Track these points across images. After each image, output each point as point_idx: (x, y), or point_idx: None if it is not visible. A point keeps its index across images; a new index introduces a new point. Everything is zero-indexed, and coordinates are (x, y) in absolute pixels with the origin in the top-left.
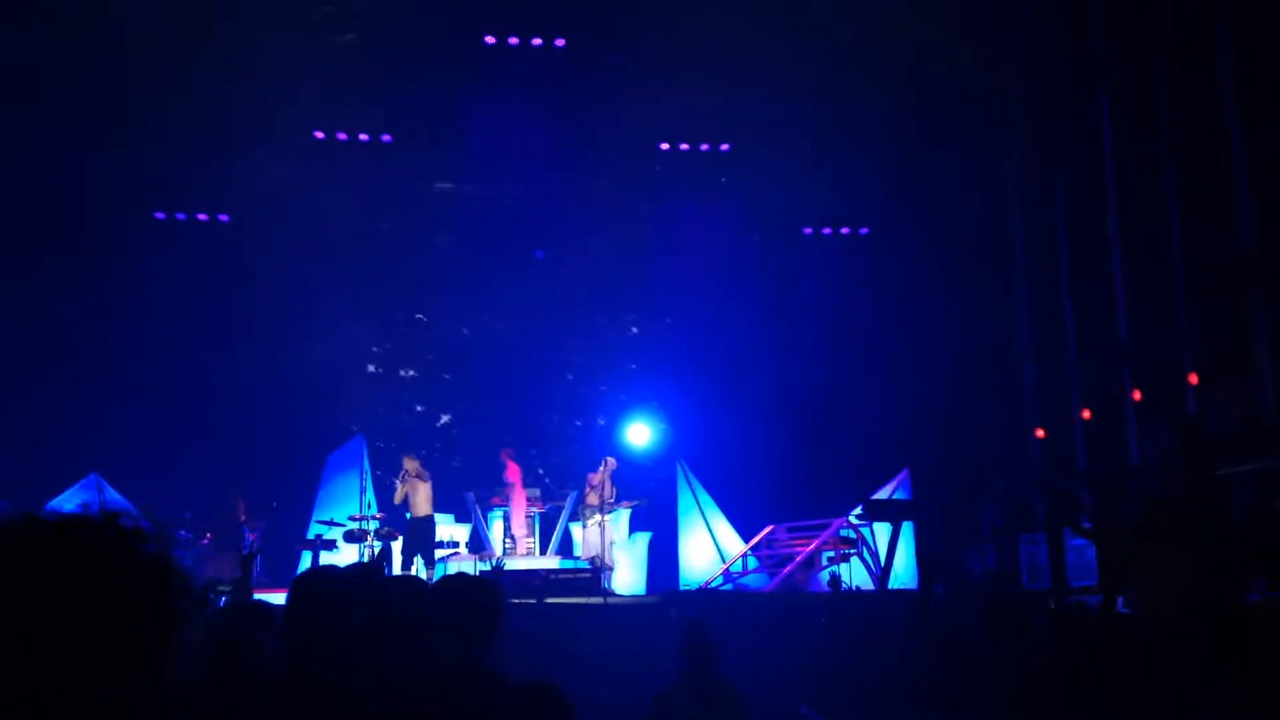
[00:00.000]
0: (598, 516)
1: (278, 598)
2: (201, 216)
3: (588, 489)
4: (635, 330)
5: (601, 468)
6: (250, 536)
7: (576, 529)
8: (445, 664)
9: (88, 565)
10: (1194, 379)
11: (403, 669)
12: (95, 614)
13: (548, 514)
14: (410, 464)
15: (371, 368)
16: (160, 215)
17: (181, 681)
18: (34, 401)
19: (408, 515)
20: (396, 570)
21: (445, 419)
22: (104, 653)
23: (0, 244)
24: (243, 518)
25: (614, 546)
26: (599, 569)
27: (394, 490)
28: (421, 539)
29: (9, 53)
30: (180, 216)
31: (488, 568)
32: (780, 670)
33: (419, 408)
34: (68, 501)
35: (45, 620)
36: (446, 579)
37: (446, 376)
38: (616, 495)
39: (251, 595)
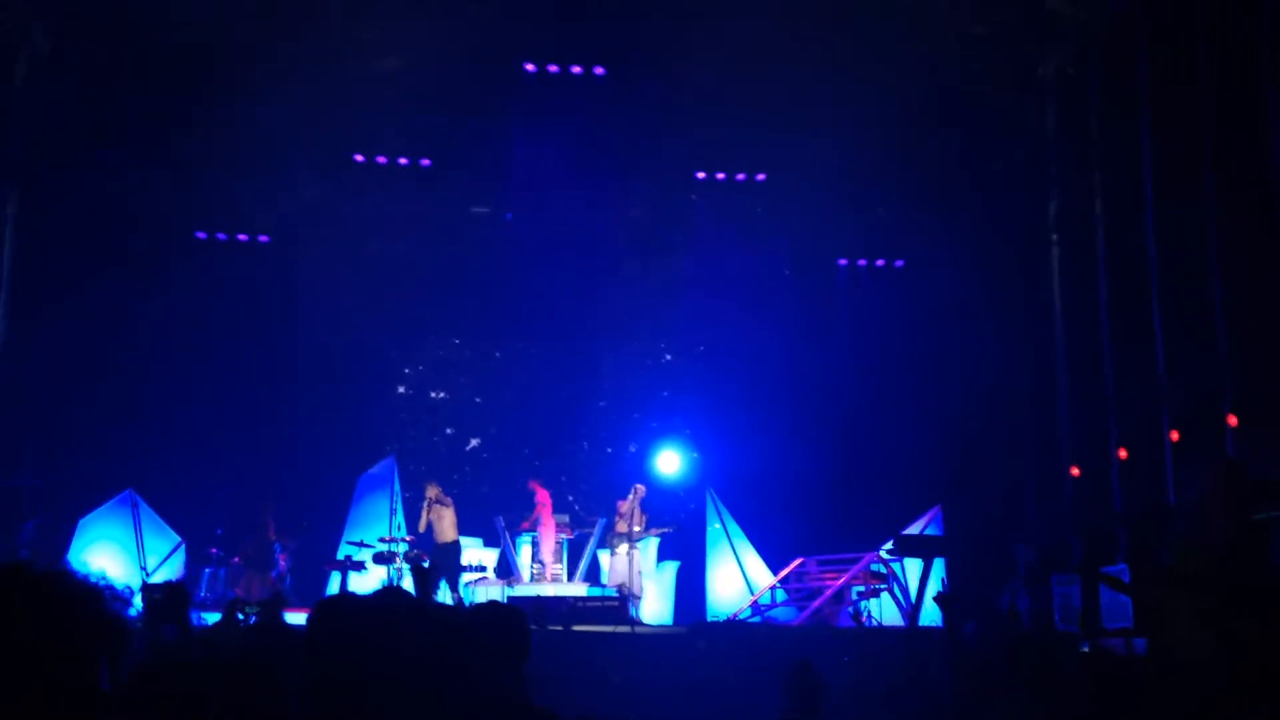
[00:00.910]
0: (625, 545)
1: (305, 618)
2: (242, 237)
3: (617, 517)
4: (669, 357)
5: (631, 495)
6: (281, 557)
7: (604, 556)
8: (478, 694)
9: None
10: (1233, 421)
11: (430, 700)
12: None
13: (576, 540)
14: (432, 490)
15: (401, 389)
16: (201, 235)
17: (197, 698)
18: (72, 418)
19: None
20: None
21: (474, 442)
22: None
23: (42, 262)
24: (274, 536)
25: (642, 575)
26: (626, 597)
27: (419, 516)
28: (447, 565)
29: (55, 72)
30: (221, 236)
31: (515, 593)
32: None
33: (449, 430)
34: (103, 518)
35: None
36: (478, 607)
37: (478, 400)
38: (646, 523)
39: (282, 618)
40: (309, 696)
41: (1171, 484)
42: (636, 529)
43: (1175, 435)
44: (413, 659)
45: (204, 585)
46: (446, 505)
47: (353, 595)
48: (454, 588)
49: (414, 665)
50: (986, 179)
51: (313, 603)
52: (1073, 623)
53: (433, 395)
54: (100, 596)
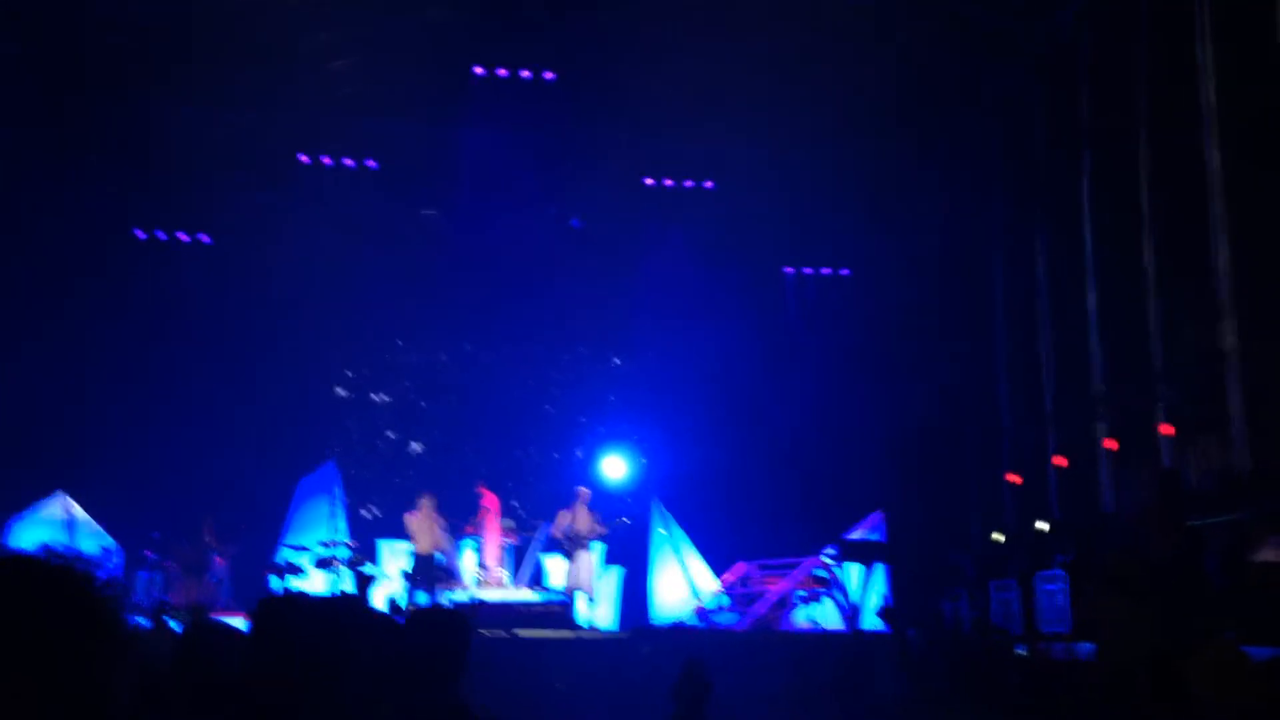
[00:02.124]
0: (581, 549)
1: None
2: (182, 237)
3: (569, 518)
4: (618, 361)
5: (578, 500)
6: (218, 561)
7: (549, 560)
8: (416, 699)
9: (16, 605)
10: (1168, 430)
11: (369, 703)
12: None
13: (520, 545)
14: (429, 501)
15: (341, 391)
16: (140, 234)
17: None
18: (3, 418)
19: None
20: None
21: (417, 447)
22: (36, 696)
23: None
24: (210, 541)
25: (594, 579)
26: (569, 602)
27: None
28: (431, 575)
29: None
30: (161, 236)
31: (463, 599)
32: (753, 711)
33: (390, 434)
34: (33, 518)
35: None
36: (418, 612)
37: (422, 404)
38: (596, 523)
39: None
40: (244, 694)
41: (1108, 492)
42: (584, 530)
43: (1112, 444)
44: (352, 661)
45: (139, 590)
46: (438, 516)
47: (300, 594)
48: (435, 595)
49: (353, 667)
50: (930, 190)
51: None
52: (1011, 626)
53: (374, 398)
54: (114, 597)
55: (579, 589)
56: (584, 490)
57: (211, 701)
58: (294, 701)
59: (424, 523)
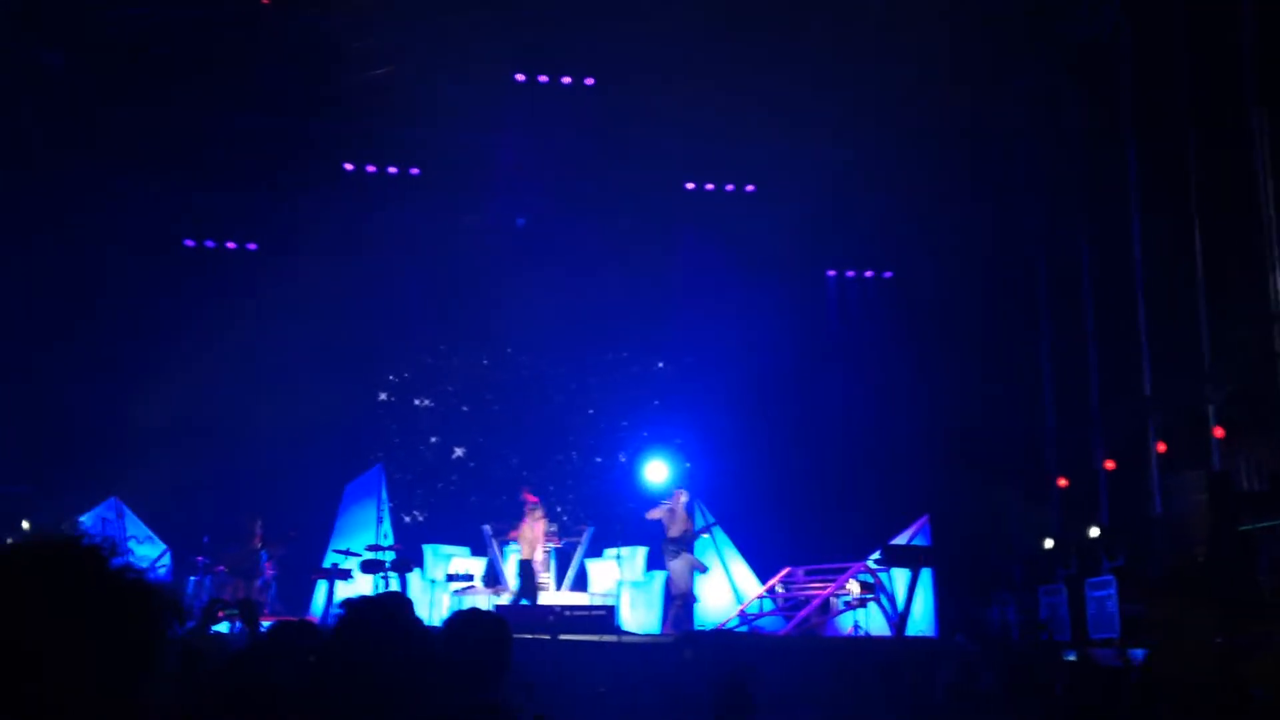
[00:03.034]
0: (682, 551)
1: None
2: (230, 245)
3: (672, 511)
4: (661, 365)
5: (674, 500)
6: (267, 565)
7: (592, 565)
8: (459, 700)
9: (63, 587)
10: (1219, 433)
11: (420, 703)
12: (72, 634)
13: (564, 550)
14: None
15: (384, 395)
16: (189, 243)
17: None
18: (58, 425)
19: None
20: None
21: (459, 452)
22: (82, 671)
23: (30, 271)
24: (260, 544)
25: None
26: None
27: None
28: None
29: (41, 84)
30: (209, 244)
31: (502, 602)
32: (796, 715)
33: (434, 438)
34: (87, 525)
35: (24, 642)
36: (457, 614)
37: (465, 408)
38: (687, 525)
39: (259, 621)
40: (316, 689)
41: (1158, 496)
42: (690, 530)
43: (1162, 447)
44: (411, 662)
45: (189, 593)
46: (544, 522)
47: (376, 598)
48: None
49: (410, 668)
50: (974, 192)
51: (299, 611)
52: (1061, 632)
53: (417, 403)
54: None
55: (682, 592)
56: (680, 493)
57: (270, 699)
58: (359, 700)
59: (533, 528)
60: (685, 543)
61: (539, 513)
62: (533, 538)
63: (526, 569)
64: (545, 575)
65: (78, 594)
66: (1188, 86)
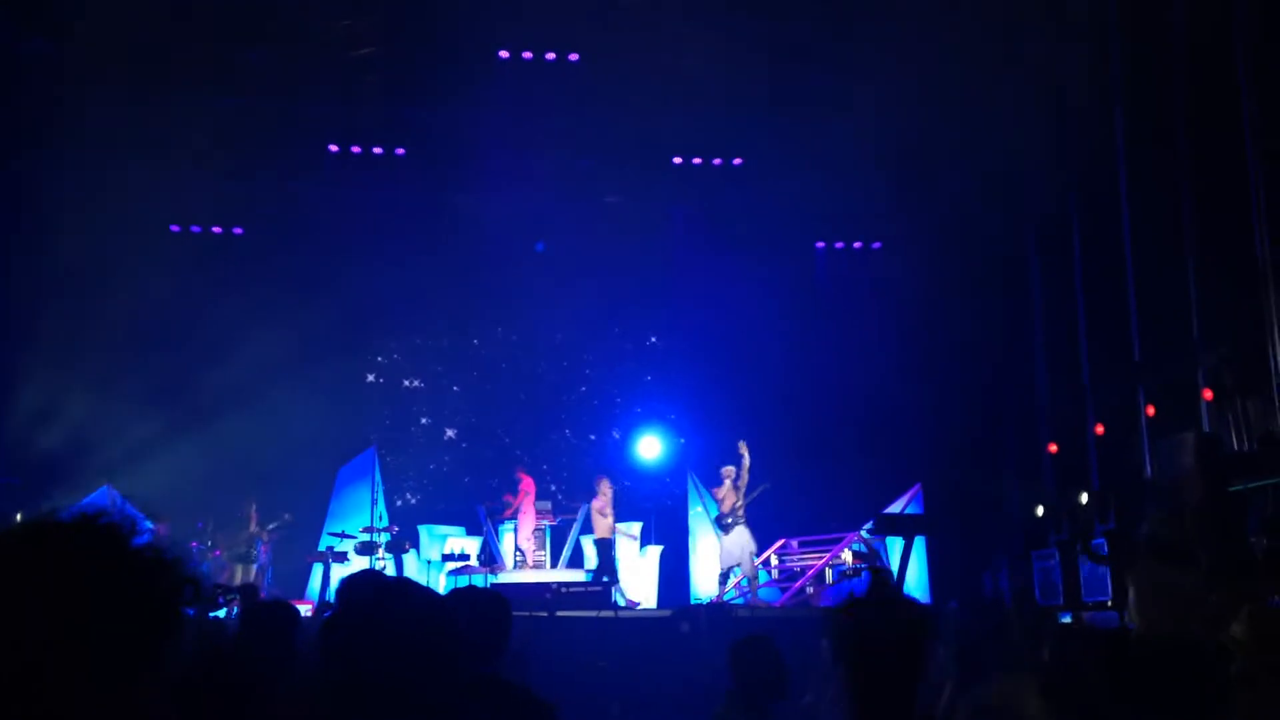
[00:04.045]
0: (738, 525)
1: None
2: (216, 229)
3: (724, 490)
4: (654, 340)
5: (725, 480)
6: (263, 549)
7: (587, 542)
8: (460, 675)
9: (87, 565)
10: (1208, 395)
11: (429, 678)
12: (95, 613)
13: (559, 527)
14: (606, 486)
15: (371, 377)
16: (175, 228)
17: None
18: (48, 413)
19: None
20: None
21: (450, 433)
22: (107, 651)
23: (16, 257)
24: (255, 529)
25: (753, 556)
26: (747, 579)
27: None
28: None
29: (24, 65)
30: (195, 229)
31: (498, 580)
32: (796, 686)
33: (425, 420)
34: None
35: (46, 621)
36: (456, 591)
37: (455, 388)
38: (742, 496)
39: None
40: (322, 668)
41: (1148, 459)
42: (739, 504)
43: (1151, 410)
44: (415, 639)
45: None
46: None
47: (376, 574)
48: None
49: (415, 645)
50: (962, 159)
51: (295, 594)
52: (1053, 597)
53: (406, 384)
54: (136, 539)
55: (736, 566)
56: (729, 469)
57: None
58: (363, 676)
59: (604, 508)
60: (737, 517)
61: (611, 488)
62: (608, 515)
63: (606, 548)
64: (540, 553)
65: (97, 571)
66: (1180, 46)
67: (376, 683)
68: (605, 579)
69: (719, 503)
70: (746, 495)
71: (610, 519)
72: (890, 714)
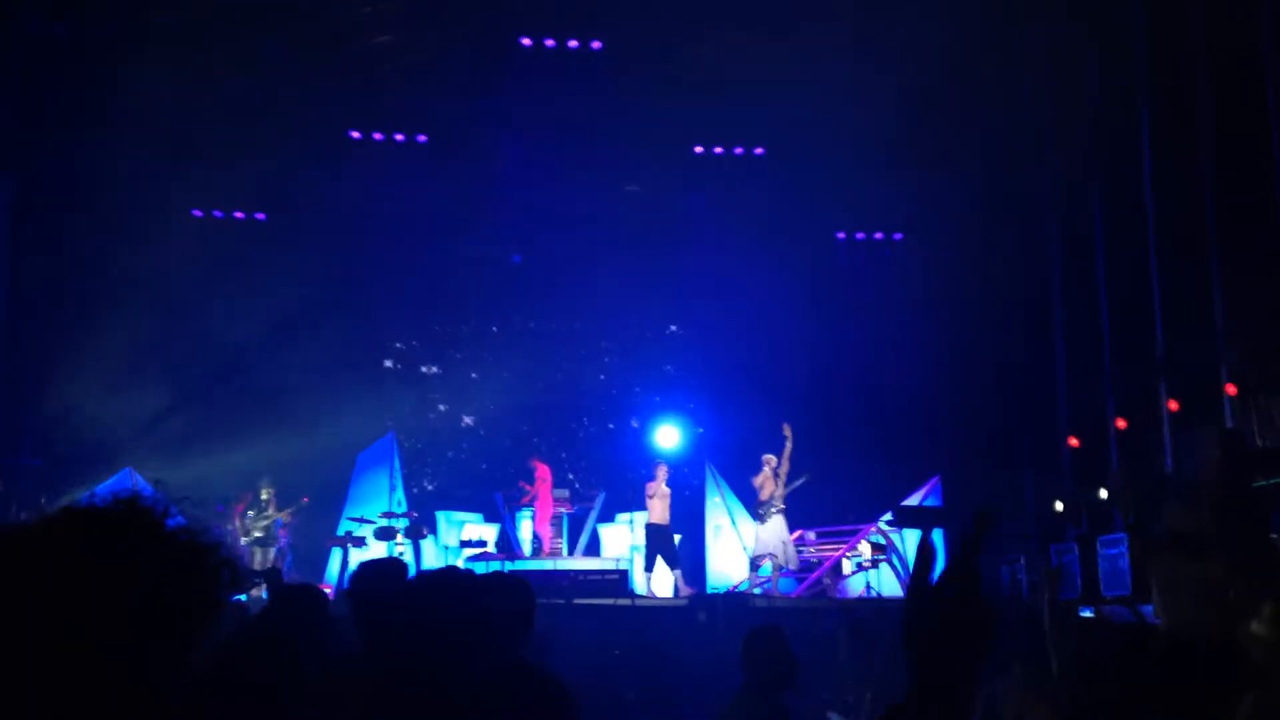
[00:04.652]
0: (775, 513)
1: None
2: (238, 214)
3: (763, 477)
4: (674, 328)
5: (765, 466)
6: (282, 532)
7: (605, 530)
8: (486, 660)
9: (127, 553)
10: (1232, 390)
11: (459, 664)
12: (133, 601)
13: (576, 515)
14: (663, 471)
15: (389, 363)
16: (198, 213)
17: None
18: (71, 397)
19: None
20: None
21: (468, 420)
22: (145, 639)
23: (40, 241)
24: (273, 512)
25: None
26: (785, 567)
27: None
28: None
29: (44, 49)
30: (218, 214)
31: (516, 568)
32: (809, 677)
33: (442, 406)
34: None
35: (86, 610)
36: (483, 576)
37: (474, 375)
38: (783, 484)
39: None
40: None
41: (1170, 454)
42: (778, 492)
43: (1174, 405)
44: (446, 626)
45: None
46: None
47: (395, 562)
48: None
49: (445, 632)
50: (983, 150)
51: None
52: (1072, 591)
53: (424, 370)
54: (174, 525)
55: (770, 554)
56: (770, 457)
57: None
58: (396, 661)
59: (660, 493)
60: (776, 506)
61: (665, 473)
62: (663, 500)
63: (665, 534)
64: (557, 541)
65: (133, 557)
66: (1202, 35)
67: (410, 668)
68: (650, 566)
69: (757, 490)
70: (787, 484)
71: (664, 504)
72: (955, 705)
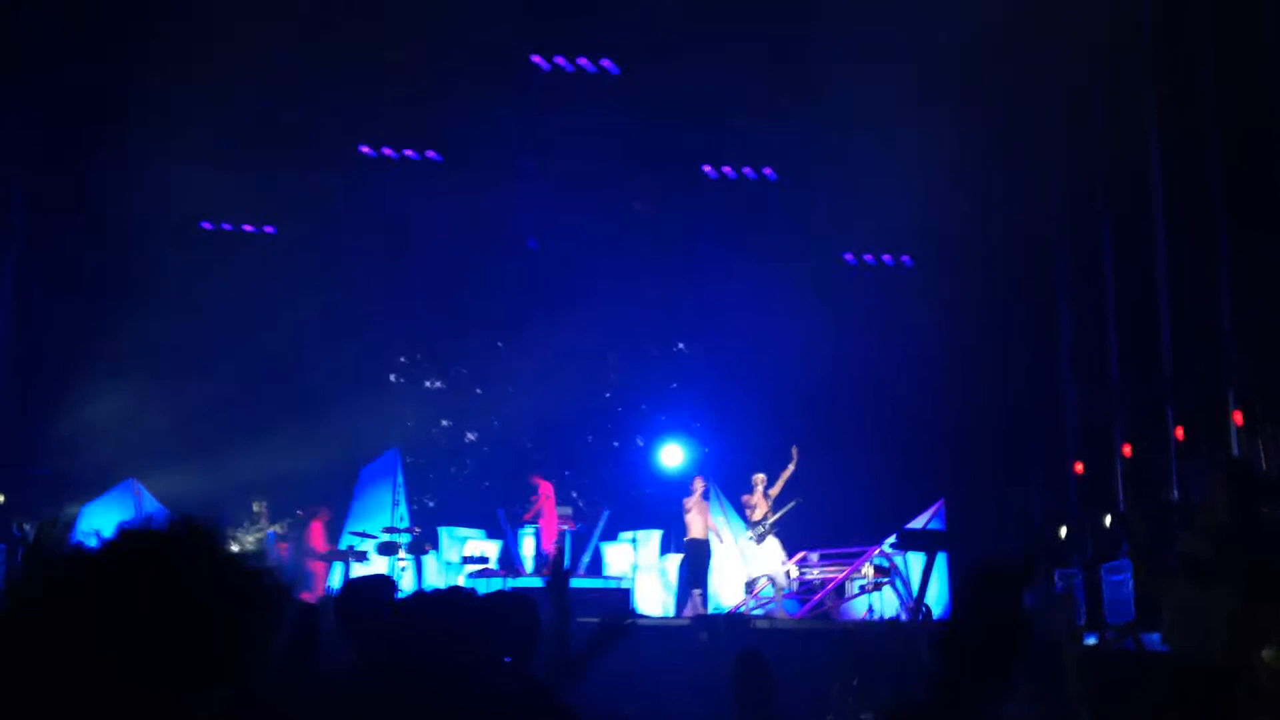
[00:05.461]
0: (768, 534)
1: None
2: (247, 227)
3: (755, 497)
4: (682, 346)
5: (756, 486)
6: (283, 546)
7: (608, 548)
8: (494, 676)
9: (186, 581)
10: (1239, 418)
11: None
12: (195, 629)
13: (579, 533)
14: (699, 484)
15: (393, 377)
16: (207, 225)
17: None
18: (71, 408)
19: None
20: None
21: (471, 436)
22: (205, 668)
23: (47, 252)
24: (265, 524)
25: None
26: (776, 589)
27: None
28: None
29: (55, 65)
30: (226, 226)
31: (518, 584)
32: (811, 699)
33: (445, 422)
34: (105, 506)
35: (144, 635)
36: (487, 596)
37: (479, 391)
38: (771, 508)
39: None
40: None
41: (1176, 482)
42: (769, 514)
43: (1180, 433)
44: (448, 641)
45: None
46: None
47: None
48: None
49: (449, 645)
50: (991, 173)
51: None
52: (1076, 617)
53: (428, 385)
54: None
55: (768, 575)
56: (760, 476)
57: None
58: (393, 680)
59: (698, 507)
60: (766, 528)
61: (703, 486)
62: (702, 514)
63: (691, 550)
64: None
65: (191, 584)
66: (1210, 53)
67: (404, 684)
68: (693, 588)
69: (750, 510)
70: (776, 507)
71: (702, 519)
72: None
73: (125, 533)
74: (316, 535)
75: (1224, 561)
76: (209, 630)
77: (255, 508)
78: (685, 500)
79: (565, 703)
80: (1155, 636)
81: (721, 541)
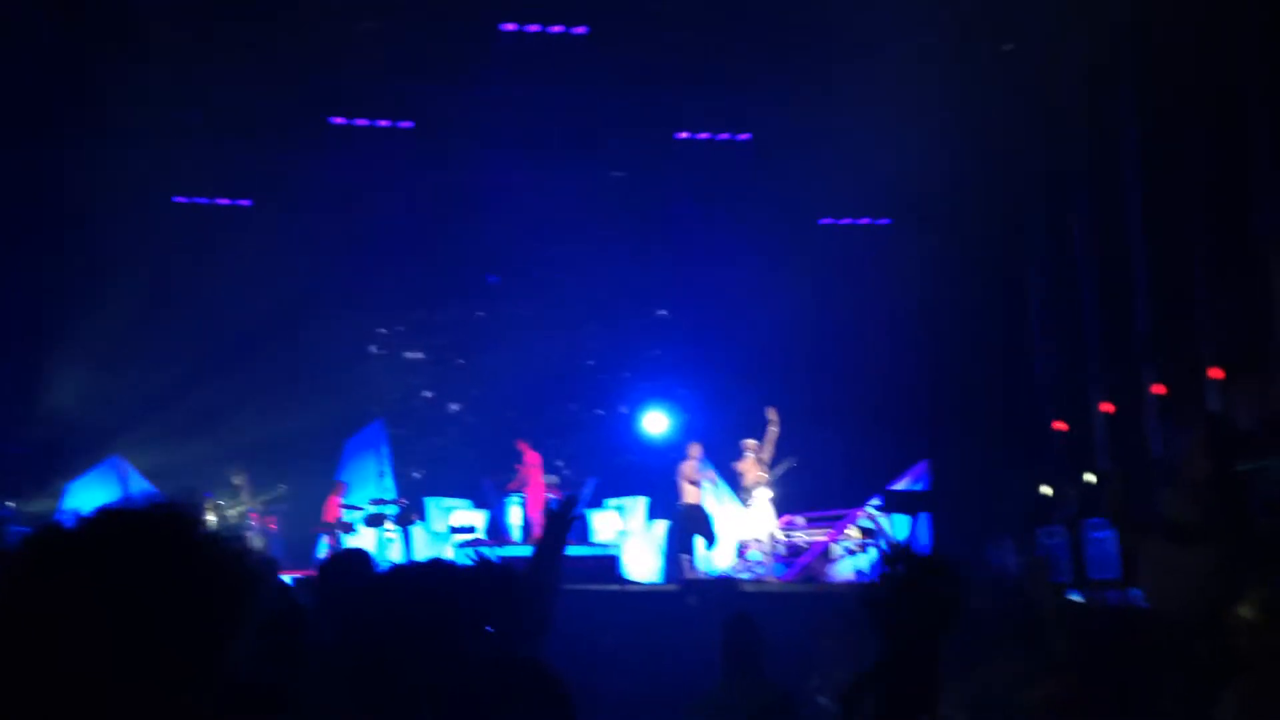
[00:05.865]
0: (765, 492)
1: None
2: (222, 201)
3: (747, 463)
4: (664, 313)
5: (749, 452)
6: (257, 520)
7: (595, 516)
8: (482, 650)
9: (169, 557)
10: (1216, 374)
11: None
12: (164, 613)
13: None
14: (695, 450)
15: (374, 349)
16: (180, 199)
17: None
18: (52, 386)
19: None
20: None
21: (455, 407)
22: (175, 653)
23: (17, 228)
24: (246, 499)
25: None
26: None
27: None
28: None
29: (24, 40)
30: (201, 200)
31: (506, 554)
32: (799, 661)
33: (427, 393)
34: (90, 484)
35: (126, 614)
36: (464, 568)
37: (460, 361)
38: (771, 460)
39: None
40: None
41: (1156, 438)
42: (762, 477)
43: (1160, 389)
44: (425, 614)
45: None
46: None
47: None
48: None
49: (426, 619)
50: (967, 135)
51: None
52: (1059, 574)
53: (409, 356)
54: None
55: (756, 539)
56: (750, 441)
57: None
58: (364, 659)
59: (694, 472)
60: (759, 491)
61: (699, 450)
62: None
63: (683, 515)
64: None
65: (166, 565)
66: (1192, 16)
67: (382, 659)
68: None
69: (740, 475)
70: (771, 469)
71: (698, 486)
72: (916, 682)
73: (103, 510)
74: (331, 508)
75: (1204, 520)
76: (184, 613)
77: (235, 481)
78: (681, 465)
79: (560, 680)
80: (1138, 593)
81: (718, 505)
